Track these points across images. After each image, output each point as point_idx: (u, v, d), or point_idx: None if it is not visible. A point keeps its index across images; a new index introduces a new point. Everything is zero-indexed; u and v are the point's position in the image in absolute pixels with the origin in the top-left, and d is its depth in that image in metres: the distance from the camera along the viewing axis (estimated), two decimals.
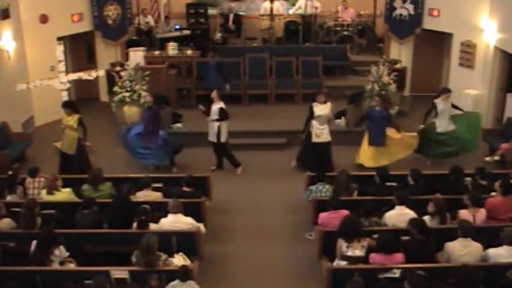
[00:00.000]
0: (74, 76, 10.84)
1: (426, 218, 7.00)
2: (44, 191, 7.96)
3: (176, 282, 5.94)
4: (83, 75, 10.84)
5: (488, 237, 6.61)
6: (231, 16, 15.83)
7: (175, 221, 7.13)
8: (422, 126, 10.21)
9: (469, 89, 12.34)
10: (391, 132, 10.11)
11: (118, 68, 12.65)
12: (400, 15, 13.79)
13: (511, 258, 6.25)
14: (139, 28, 15.00)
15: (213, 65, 11.87)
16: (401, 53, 14.04)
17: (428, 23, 13.60)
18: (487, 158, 10.53)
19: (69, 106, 9.74)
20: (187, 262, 6.67)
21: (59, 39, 11.44)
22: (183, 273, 5.96)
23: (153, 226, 7.13)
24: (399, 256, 6.31)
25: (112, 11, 13.70)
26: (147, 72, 11.94)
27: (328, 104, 10.05)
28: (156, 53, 13.80)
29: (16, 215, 7.22)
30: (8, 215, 7.31)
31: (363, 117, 10.63)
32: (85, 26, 13.57)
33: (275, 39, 15.28)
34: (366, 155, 10.23)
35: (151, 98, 10.27)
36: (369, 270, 6.24)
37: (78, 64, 13.69)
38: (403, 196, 7.23)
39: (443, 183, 8.10)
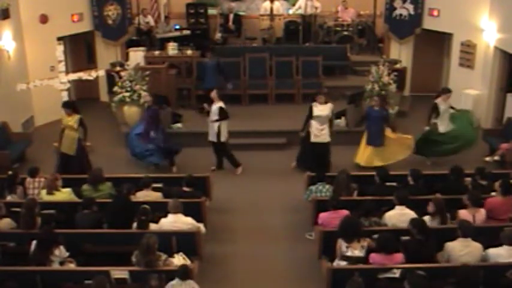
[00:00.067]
0: (74, 76, 10.83)
1: (426, 218, 7.00)
2: (44, 191, 7.96)
3: (176, 281, 5.94)
4: (83, 75, 10.82)
5: (488, 237, 6.61)
6: (231, 16, 15.84)
7: (175, 221, 7.13)
8: (427, 127, 10.19)
9: (469, 89, 12.35)
10: (387, 132, 10.13)
11: (118, 68, 12.65)
12: (400, 15, 13.79)
13: (511, 258, 6.25)
14: (139, 28, 15.00)
15: (212, 65, 11.87)
16: (401, 53, 14.04)
17: (428, 23, 13.60)
18: (487, 158, 10.53)
19: (70, 106, 9.73)
20: (187, 262, 6.67)
21: (59, 39, 11.42)
22: (183, 273, 5.95)
23: (153, 226, 7.13)
24: (399, 256, 6.31)
25: (112, 11, 13.70)
26: (147, 72, 11.94)
27: (329, 105, 10.03)
28: (156, 53, 13.79)
29: (16, 215, 7.22)
30: (8, 215, 7.31)
31: (363, 117, 10.63)
32: (85, 26, 13.57)
33: (275, 39, 15.28)
34: (364, 155, 10.24)
35: (151, 98, 10.28)
36: (369, 270, 6.24)
37: (78, 64, 13.68)
38: (403, 196, 7.23)
39: (443, 183, 8.10)
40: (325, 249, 7.05)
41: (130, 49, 13.76)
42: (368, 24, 15.43)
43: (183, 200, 7.36)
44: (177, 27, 15.61)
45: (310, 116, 9.97)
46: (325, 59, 13.41)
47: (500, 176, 7.96)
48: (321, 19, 15.62)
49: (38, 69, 11.83)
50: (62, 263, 6.57)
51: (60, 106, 9.95)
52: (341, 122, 11.62)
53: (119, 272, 6.25)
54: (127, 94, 11.58)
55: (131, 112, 11.61)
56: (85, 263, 6.72)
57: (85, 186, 8.06)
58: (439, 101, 10.13)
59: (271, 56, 13.41)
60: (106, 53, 13.93)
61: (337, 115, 11.48)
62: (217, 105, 9.96)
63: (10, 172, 8.60)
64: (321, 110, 9.94)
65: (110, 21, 13.73)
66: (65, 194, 7.96)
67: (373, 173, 8.36)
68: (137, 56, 13.37)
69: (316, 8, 15.36)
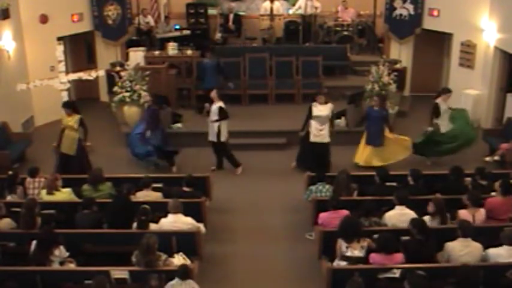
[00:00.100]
0: (74, 76, 10.82)
1: (426, 218, 7.00)
2: (44, 191, 7.96)
3: (175, 281, 5.94)
4: (83, 75, 10.82)
5: (488, 237, 6.61)
6: (231, 16, 15.84)
7: (175, 221, 7.13)
8: (430, 128, 10.17)
9: (469, 89, 12.34)
10: (386, 132, 10.13)
11: (118, 68, 12.65)
12: (400, 15, 13.79)
13: (511, 258, 6.25)
14: (139, 28, 15.00)
15: (212, 65, 11.87)
16: (401, 53, 14.03)
17: (428, 23, 13.60)
18: (487, 158, 10.53)
19: (70, 106, 9.73)
20: (187, 262, 6.67)
21: (59, 39, 11.42)
22: (183, 273, 5.95)
23: (153, 226, 7.13)
24: (399, 256, 6.31)
25: (112, 11, 13.70)
26: (147, 72, 11.95)
27: (329, 105, 10.02)
28: (156, 53, 13.79)
29: (16, 215, 7.22)
30: (8, 215, 7.31)
31: (363, 118, 10.63)
32: (85, 26, 13.57)
33: (275, 39, 15.28)
34: (363, 155, 10.24)
35: (151, 98, 10.29)
36: (369, 270, 6.24)
37: (78, 64, 13.68)
38: (403, 196, 7.23)
39: (443, 183, 8.10)
40: (325, 249, 7.04)
41: (130, 49, 13.77)
42: (368, 24, 15.43)
43: (183, 200, 7.36)
44: (177, 27, 15.61)
45: (309, 116, 9.97)
46: (325, 59, 13.41)
47: (500, 176, 7.96)
48: (321, 19, 15.61)
49: (38, 69, 11.83)
50: (62, 263, 6.57)
51: (60, 106, 9.95)
52: (341, 122, 11.62)
53: (119, 272, 6.25)
54: (127, 94, 11.58)
55: (131, 112, 11.62)
56: (85, 263, 6.72)
57: (85, 186, 8.06)
58: (439, 101, 10.14)
59: (271, 56, 13.41)
60: (106, 53, 13.93)
61: (337, 115, 11.47)
62: (217, 105, 9.96)
63: (10, 172, 8.60)
64: (321, 110, 9.94)
65: (110, 21, 13.73)
66: (65, 194, 7.96)
67: (373, 173, 8.35)
68: (137, 56, 13.37)
69: (316, 8, 15.36)
